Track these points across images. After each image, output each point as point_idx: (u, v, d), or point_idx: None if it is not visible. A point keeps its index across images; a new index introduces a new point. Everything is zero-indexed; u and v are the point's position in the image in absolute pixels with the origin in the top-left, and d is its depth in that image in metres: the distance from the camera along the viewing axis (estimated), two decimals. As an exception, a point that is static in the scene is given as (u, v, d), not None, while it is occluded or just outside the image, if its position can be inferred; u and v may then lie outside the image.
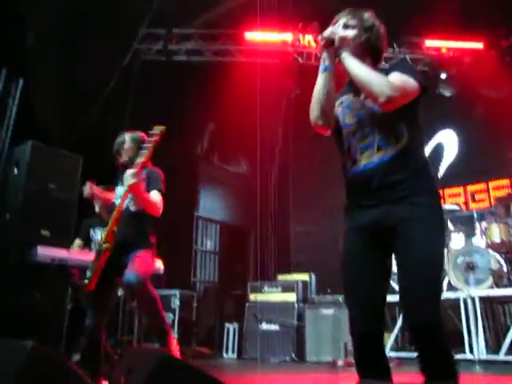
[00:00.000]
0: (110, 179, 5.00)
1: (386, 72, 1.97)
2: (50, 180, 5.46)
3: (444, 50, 7.25)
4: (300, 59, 7.73)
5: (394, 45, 7.58)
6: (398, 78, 1.90)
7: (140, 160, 3.08)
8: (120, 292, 4.34)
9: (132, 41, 6.97)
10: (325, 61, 2.00)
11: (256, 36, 7.62)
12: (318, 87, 2.01)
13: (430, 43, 7.41)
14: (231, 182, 9.56)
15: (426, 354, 1.77)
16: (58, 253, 4.20)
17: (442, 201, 7.46)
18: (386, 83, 1.84)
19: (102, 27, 6.29)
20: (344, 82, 2.14)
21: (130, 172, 3.05)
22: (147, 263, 3.15)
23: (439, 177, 7.70)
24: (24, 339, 1.54)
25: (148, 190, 3.24)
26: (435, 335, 1.76)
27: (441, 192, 7.60)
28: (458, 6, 6.53)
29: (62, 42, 6.71)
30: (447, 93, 7.17)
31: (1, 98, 6.02)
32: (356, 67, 1.91)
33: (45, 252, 4.16)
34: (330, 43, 1.96)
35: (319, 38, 1.96)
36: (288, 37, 7.55)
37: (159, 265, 4.85)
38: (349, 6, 2.14)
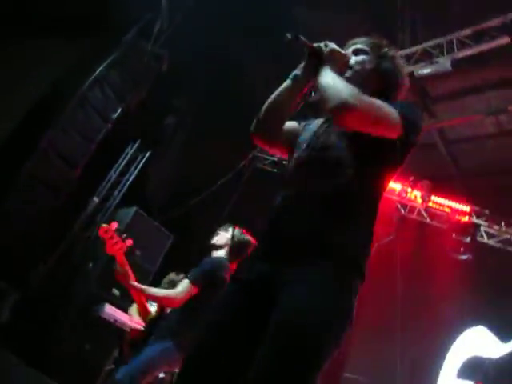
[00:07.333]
0: (192, 265, 5.12)
1: None
2: (138, 246, 5.75)
3: None
4: (402, 210, 7.73)
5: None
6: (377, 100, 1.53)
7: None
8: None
9: (252, 149, 7.45)
10: (299, 69, 1.70)
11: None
12: (276, 92, 1.72)
13: None
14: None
15: None
16: (122, 316, 4.25)
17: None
18: (349, 89, 1.47)
19: (226, 131, 6.80)
20: None
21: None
22: None
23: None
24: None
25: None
26: None
27: None
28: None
29: (190, 133, 7.39)
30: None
31: (126, 163, 6.66)
32: (327, 75, 1.55)
33: (110, 311, 4.24)
34: (315, 53, 1.65)
35: (305, 43, 1.64)
36: (396, 186, 7.65)
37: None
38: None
